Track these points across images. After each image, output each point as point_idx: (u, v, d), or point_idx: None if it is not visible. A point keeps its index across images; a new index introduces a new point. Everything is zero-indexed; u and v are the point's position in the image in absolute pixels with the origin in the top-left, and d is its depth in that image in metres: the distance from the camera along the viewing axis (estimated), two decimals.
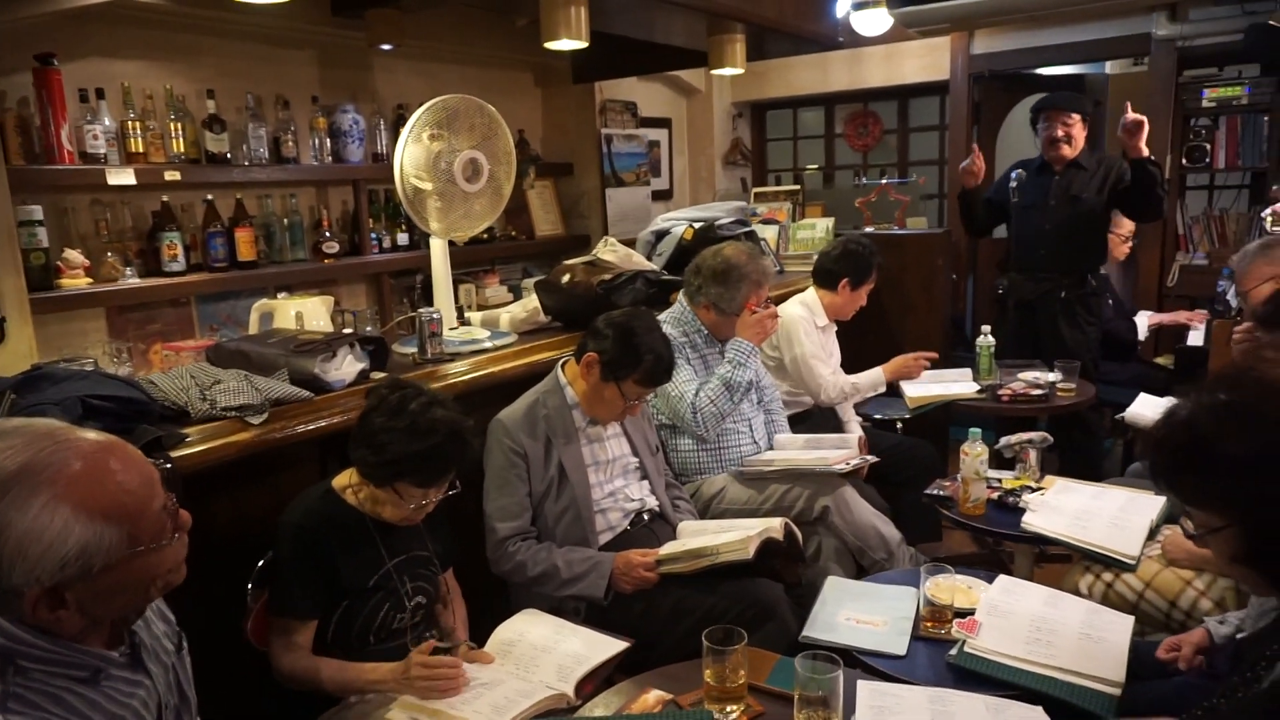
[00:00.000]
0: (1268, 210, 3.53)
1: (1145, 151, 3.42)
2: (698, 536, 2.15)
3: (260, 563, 1.82)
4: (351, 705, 1.74)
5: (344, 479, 1.84)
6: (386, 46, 3.56)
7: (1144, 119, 3.37)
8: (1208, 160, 4.42)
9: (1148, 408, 2.82)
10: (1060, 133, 3.61)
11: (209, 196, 3.23)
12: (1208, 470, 1.04)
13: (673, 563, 2.06)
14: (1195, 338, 3.93)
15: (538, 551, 2.11)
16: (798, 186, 5.17)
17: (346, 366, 2.08)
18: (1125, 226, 4.18)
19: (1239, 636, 1.56)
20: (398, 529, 1.84)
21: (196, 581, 1.73)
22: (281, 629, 1.77)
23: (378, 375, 2.21)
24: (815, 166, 6.04)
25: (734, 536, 2.03)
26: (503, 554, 2.12)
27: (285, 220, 3.56)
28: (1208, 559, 2.00)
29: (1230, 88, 4.29)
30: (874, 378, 3.29)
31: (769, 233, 4.27)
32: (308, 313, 2.44)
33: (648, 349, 2.14)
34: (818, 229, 4.47)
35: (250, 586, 1.80)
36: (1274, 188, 3.93)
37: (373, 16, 3.33)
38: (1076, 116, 3.63)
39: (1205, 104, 4.36)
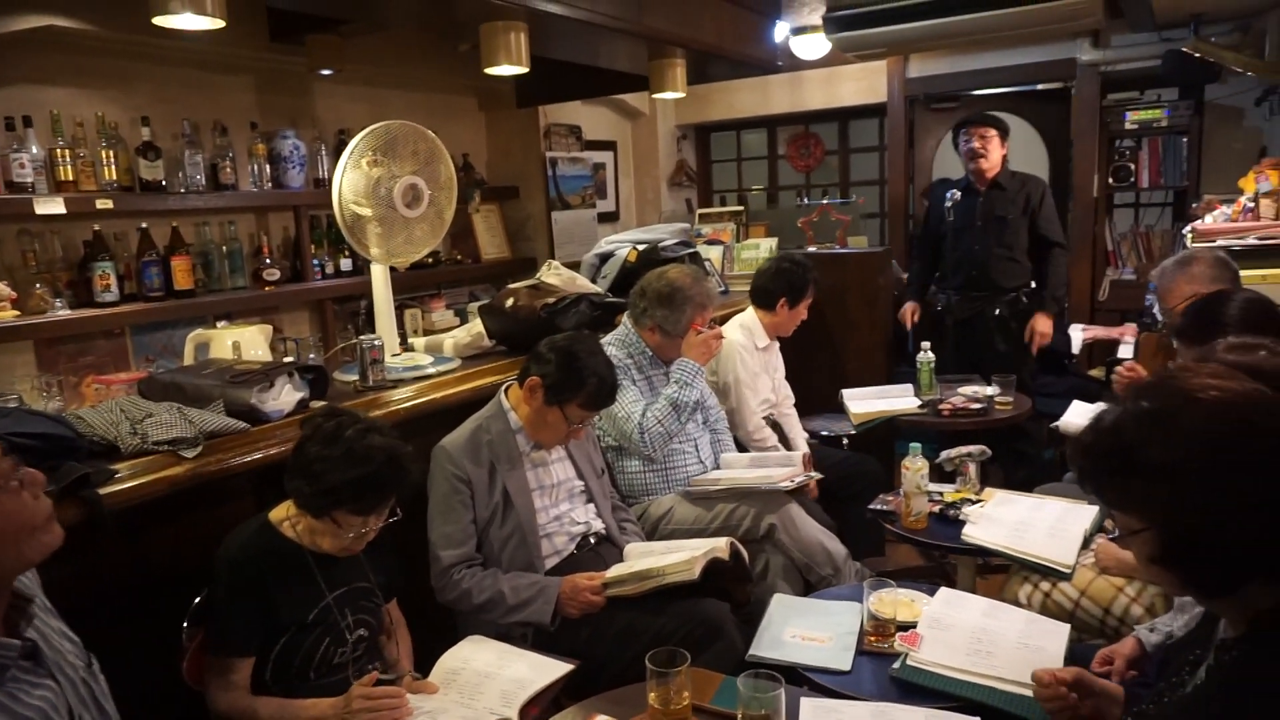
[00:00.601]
0: (1188, 227, 3.68)
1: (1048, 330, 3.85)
2: (644, 558, 2.16)
3: (196, 600, 1.78)
4: None
5: (281, 511, 1.81)
6: (327, 72, 3.55)
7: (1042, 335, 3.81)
8: (1132, 179, 4.60)
9: (1079, 416, 2.90)
10: (977, 144, 3.75)
11: (143, 225, 3.16)
12: (1129, 475, 1.07)
13: (619, 585, 2.05)
14: (1125, 350, 4.06)
15: (483, 579, 2.09)
16: (741, 207, 5.25)
17: (285, 396, 2.05)
18: None
19: (1168, 644, 1.61)
20: (338, 561, 1.81)
21: (131, 621, 1.70)
22: (219, 668, 1.72)
23: (318, 404, 2.17)
24: (759, 187, 6.13)
25: (680, 557, 2.03)
26: (447, 582, 2.10)
27: (224, 248, 3.51)
28: (1136, 567, 2.06)
29: (1151, 110, 4.48)
30: (786, 454, 3.14)
31: (714, 253, 4.32)
32: (245, 342, 2.39)
33: (590, 372, 2.14)
34: (761, 249, 4.53)
35: (186, 625, 1.76)
36: (1193, 205, 4.10)
37: (312, 42, 3.31)
38: (993, 131, 3.77)
39: (1128, 126, 4.54)
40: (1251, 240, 3.27)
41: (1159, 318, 3.30)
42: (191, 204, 3.30)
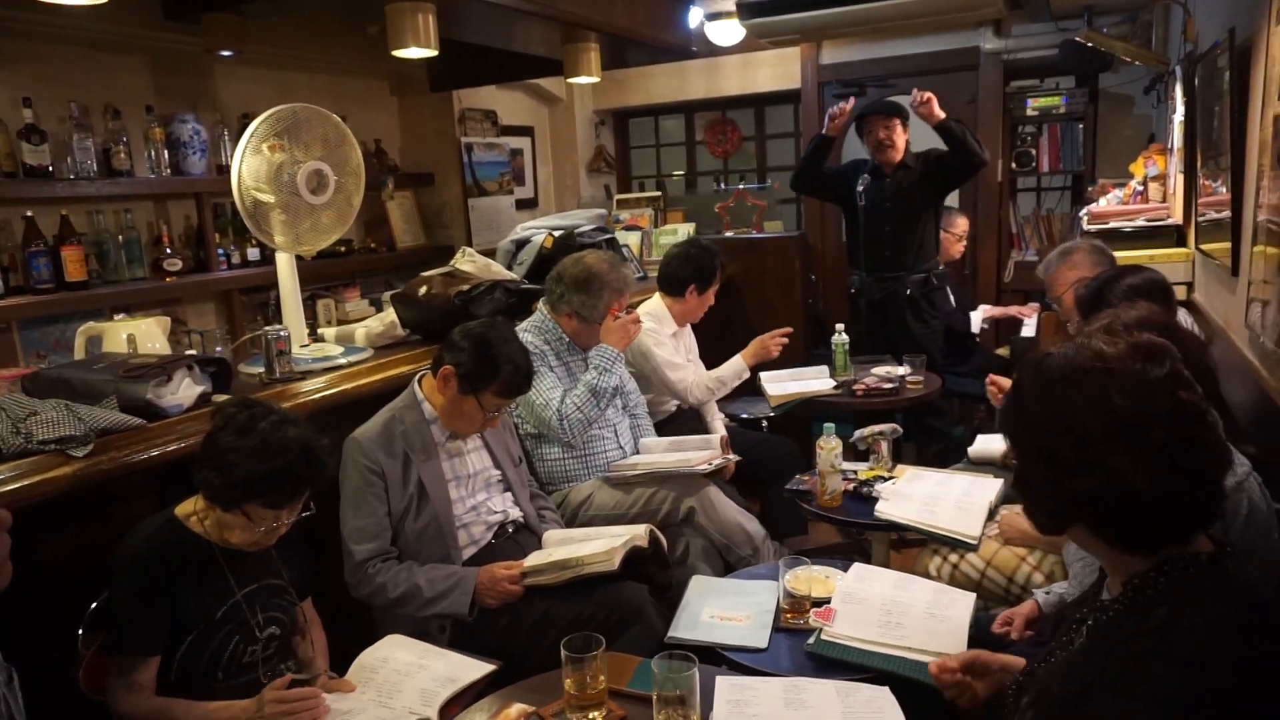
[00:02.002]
0: (1084, 210, 3.85)
1: (942, 115, 3.61)
2: (564, 546, 2.15)
3: (94, 605, 1.70)
4: None
5: (188, 506, 1.75)
6: (227, 53, 3.40)
7: (929, 94, 3.58)
8: (1034, 164, 4.76)
9: (988, 444, 2.89)
10: (883, 136, 3.81)
11: (28, 213, 2.99)
12: (1042, 429, 1.10)
13: (537, 575, 2.04)
14: (1028, 329, 4.23)
15: (398, 572, 2.06)
16: (659, 193, 5.25)
17: (184, 390, 1.97)
18: (959, 226, 4.45)
19: (1061, 608, 1.68)
20: (248, 557, 1.75)
21: (23, 631, 1.61)
22: (121, 669, 1.66)
23: (221, 398, 2.10)
24: (679, 173, 6.16)
25: (599, 546, 2.03)
26: (362, 577, 2.06)
27: (120, 237, 3.34)
28: (1036, 538, 2.16)
29: (1050, 97, 4.64)
30: (736, 366, 3.27)
31: (632, 239, 4.32)
32: (141, 335, 2.28)
33: (505, 359, 2.12)
34: (679, 235, 4.56)
35: (82, 632, 1.68)
36: (1089, 189, 4.28)
37: (210, 21, 3.17)
38: (896, 121, 3.83)
39: (1030, 112, 4.70)
40: (1141, 222, 3.43)
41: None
42: (82, 191, 3.14)
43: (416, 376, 2.25)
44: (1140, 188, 3.73)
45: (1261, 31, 2.12)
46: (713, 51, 5.07)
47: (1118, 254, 2.75)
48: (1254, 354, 2.13)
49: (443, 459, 2.18)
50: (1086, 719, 1.03)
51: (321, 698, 1.64)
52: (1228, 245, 2.44)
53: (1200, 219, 2.97)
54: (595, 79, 3.81)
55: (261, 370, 2.35)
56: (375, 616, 2.14)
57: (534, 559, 2.09)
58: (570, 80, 3.86)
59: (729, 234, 4.57)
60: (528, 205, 5.49)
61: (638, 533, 2.10)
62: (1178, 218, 3.42)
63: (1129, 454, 1.03)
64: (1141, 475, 1.02)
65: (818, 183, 4.11)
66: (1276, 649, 1.03)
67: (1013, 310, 4.43)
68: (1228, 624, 1.02)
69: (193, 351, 2.79)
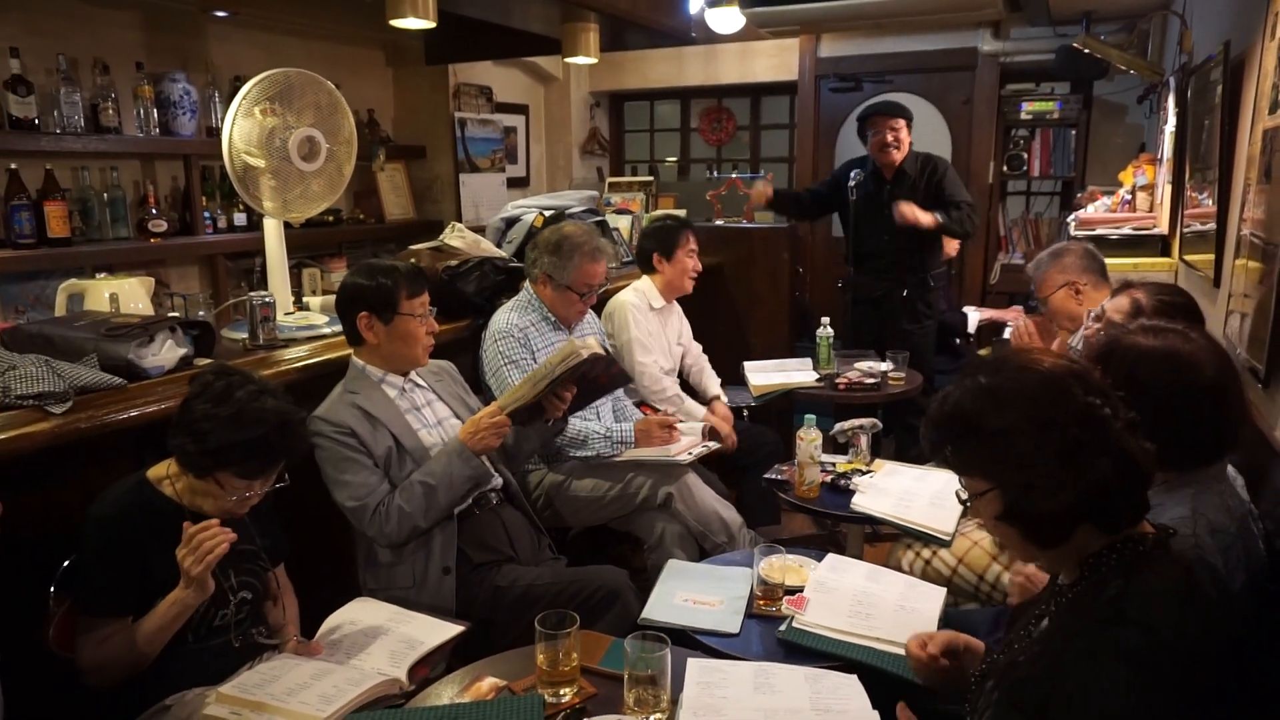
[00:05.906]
0: (1073, 216, 3.88)
1: (924, 221, 3.67)
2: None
3: (66, 564, 1.69)
4: (168, 707, 1.65)
5: (161, 470, 1.74)
6: (221, 13, 3.37)
7: (906, 212, 3.65)
8: (1025, 168, 4.79)
9: None
10: (889, 137, 3.77)
11: (13, 165, 2.95)
12: (970, 439, 1.19)
13: (516, 401, 2.13)
14: (1010, 332, 4.26)
15: (402, 492, 2.06)
16: (651, 178, 5.24)
17: (166, 352, 1.95)
18: None
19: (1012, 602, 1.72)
20: (221, 522, 1.74)
21: None
22: (89, 627, 1.65)
23: (203, 362, 2.08)
24: (672, 159, 6.14)
25: (558, 351, 2.16)
26: (379, 518, 2.04)
27: (105, 195, 3.31)
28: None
29: (1044, 102, 4.67)
30: (695, 415, 3.24)
31: (623, 223, 4.31)
32: (124, 294, 2.26)
33: (387, 271, 2.15)
34: None
35: (53, 590, 1.67)
36: (1079, 195, 4.31)
37: None
38: (902, 121, 3.80)
39: (1023, 116, 4.72)
40: (1127, 230, 3.46)
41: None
42: (68, 146, 3.09)
43: (350, 354, 2.24)
44: (1128, 196, 3.77)
45: (1256, 45, 2.14)
46: (711, 39, 5.06)
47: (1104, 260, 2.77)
48: None
49: (404, 411, 2.19)
50: (1065, 688, 1.06)
51: (217, 525, 1.62)
52: (1211, 257, 2.47)
53: (1185, 230, 3.00)
54: (593, 60, 3.79)
55: (245, 336, 2.34)
56: (364, 590, 2.13)
57: (507, 393, 2.19)
58: (568, 60, 3.84)
59: (719, 222, 4.57)
60: (519, 184, 5.46)
61: (589, 343, 2.23)
62: (1163, 228, 3.45)
63: (1045, 449, 1.11)
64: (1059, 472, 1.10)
65: (816, 211, 4.25)
66: (1222, 623, 1.11)
67: (1008, 314, 4.46)
68: (1175, 597, 1.09)
69: (176, 314, 2.77)
